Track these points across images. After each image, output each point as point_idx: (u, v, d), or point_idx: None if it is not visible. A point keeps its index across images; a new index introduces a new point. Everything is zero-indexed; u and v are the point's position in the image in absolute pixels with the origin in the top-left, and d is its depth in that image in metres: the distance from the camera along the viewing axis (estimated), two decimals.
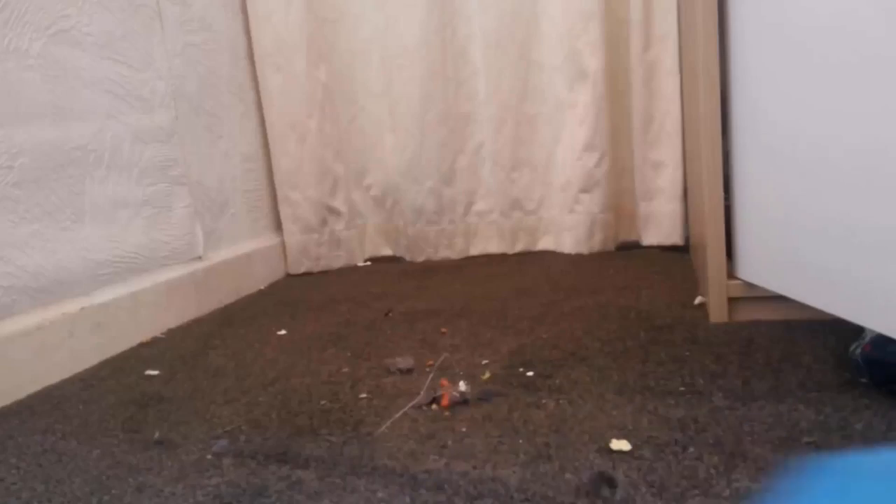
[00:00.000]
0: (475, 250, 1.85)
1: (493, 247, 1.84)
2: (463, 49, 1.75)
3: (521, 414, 0.80)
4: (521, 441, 0.73)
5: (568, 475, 0.65)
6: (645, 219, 1.73)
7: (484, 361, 0.99)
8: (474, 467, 0.68)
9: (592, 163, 1.69)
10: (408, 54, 1.74)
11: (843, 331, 0.89)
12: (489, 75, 1.75)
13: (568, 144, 1.72)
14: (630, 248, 1.74)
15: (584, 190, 1.71)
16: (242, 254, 1.62)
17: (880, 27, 0.73)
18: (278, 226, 1.81)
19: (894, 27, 0.72)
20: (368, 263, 1.89)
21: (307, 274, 1.81)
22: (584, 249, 1.73)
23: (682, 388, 0.83)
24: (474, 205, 1.83)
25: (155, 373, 1.07)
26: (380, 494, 0.65)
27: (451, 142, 1.78)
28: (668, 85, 1.64)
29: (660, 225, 1.71)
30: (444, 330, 1.16)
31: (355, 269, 1.84)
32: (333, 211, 1.84)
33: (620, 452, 0.68)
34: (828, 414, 0.73)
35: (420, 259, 1.85)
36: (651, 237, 1.72)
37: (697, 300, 1.18)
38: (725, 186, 1.04)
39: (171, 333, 1.30)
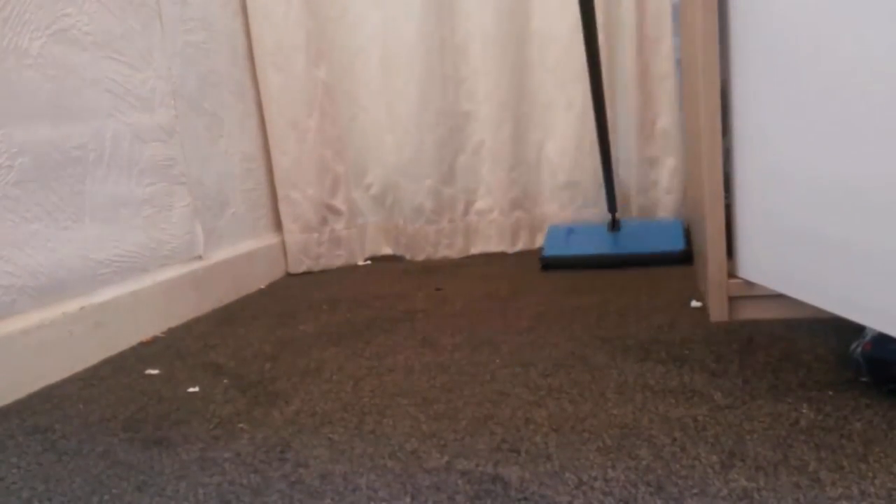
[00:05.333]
0: (475, 249, 1.85)
1: (494, 245, 1.84)
2: (462, 47, 1.75)
3: (522, 414, 0.80)
4: (521, 441, 0.73)
5: (568, 475, 0.65)
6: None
7: (484, 361, 0.99)
8: (475, 466, 0.68)
9: (592, 162, 1.68)
10: (407, 53, 1.74)
11: (844, 329, 0.89)
12: (488, 74, 1.75)
13: (568, 143, 1.72)
14: None
15: (584, 189, 1.70)
16: (242, 253, 1.62)
17: (884, 34, 0.73)
18: (278, 225, 1.81)
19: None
20: (368, 262, 1.89)
21: (307, 273, 1.81)
22: None
23: (681, 388, 0.83)
24: (474, 203, 1.83)
25: (155, 372, 1.07)
26: (380, 494, 0.65)
27: (450, 140, 1.78)
28: (665, 85, 1.65)
29: None
30: (443, 329, 1.16)
31: (355, 268, 1.84)
32: (333, 210, 1.84)
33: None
34: (828, 413, 0.73)
35: (420, 258, 1.85)
36: None
37: (693, 304, 1.17)
38: (725, 186, 1.04)
39: (172, 332, 1.30)
